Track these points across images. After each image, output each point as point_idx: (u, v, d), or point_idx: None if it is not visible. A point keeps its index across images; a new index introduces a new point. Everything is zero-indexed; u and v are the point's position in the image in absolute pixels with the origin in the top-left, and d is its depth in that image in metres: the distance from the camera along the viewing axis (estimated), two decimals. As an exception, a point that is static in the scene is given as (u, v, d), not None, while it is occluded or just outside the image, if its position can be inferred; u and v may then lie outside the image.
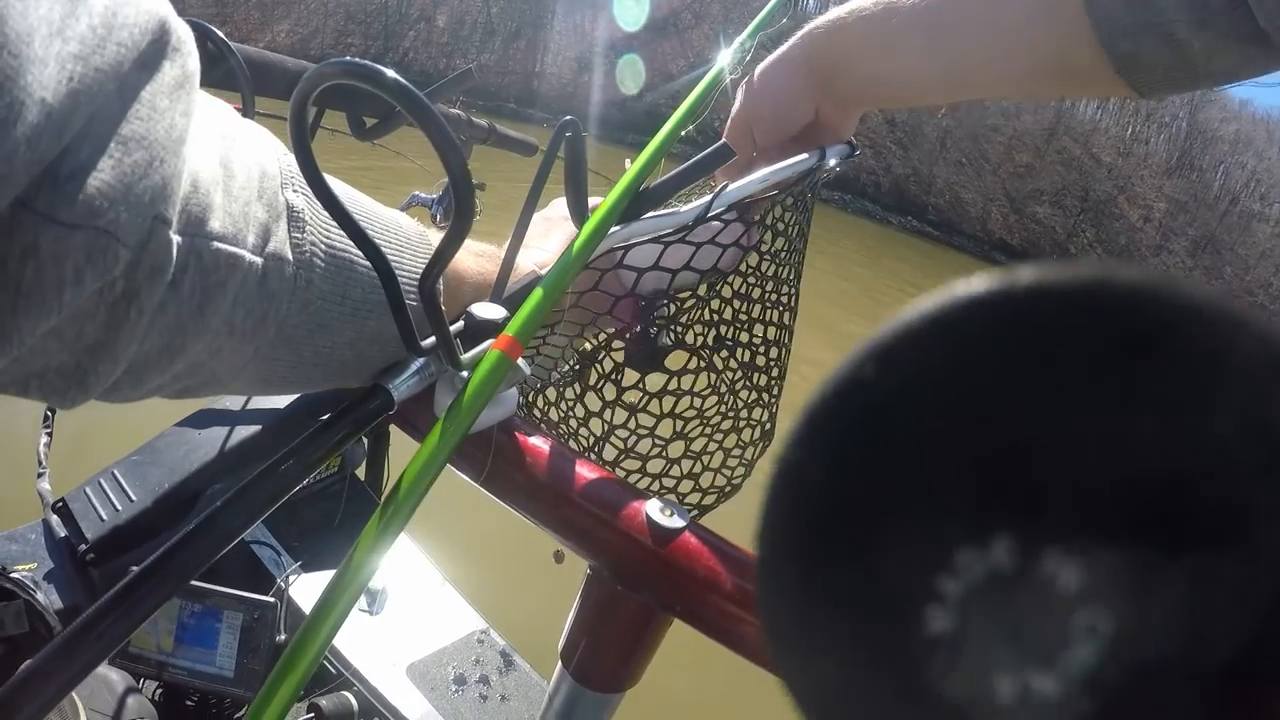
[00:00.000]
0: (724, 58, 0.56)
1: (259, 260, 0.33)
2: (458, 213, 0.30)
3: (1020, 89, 0.50)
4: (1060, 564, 0.11)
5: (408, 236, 0.42)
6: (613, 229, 0.44)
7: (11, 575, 1.07)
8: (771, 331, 0.56)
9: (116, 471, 1.36)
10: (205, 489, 1.35)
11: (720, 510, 0.55)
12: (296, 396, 1.37)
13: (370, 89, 0.27)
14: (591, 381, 0.52)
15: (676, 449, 0.53)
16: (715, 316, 0.53)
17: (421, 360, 0.40)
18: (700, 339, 0.53)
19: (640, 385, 0.51)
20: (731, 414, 0.54)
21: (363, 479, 1.61)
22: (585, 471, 0.43)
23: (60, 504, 1.33)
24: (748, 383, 0.55)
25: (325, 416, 0.37)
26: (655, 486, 0.53)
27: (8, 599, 1.05)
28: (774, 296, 0.55)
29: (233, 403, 1.44)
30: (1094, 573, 0.11)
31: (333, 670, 1.26)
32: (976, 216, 25.38)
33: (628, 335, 0.50)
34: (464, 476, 0.44)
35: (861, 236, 19.06)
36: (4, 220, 0.24)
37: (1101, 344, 0.11)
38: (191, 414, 1.45)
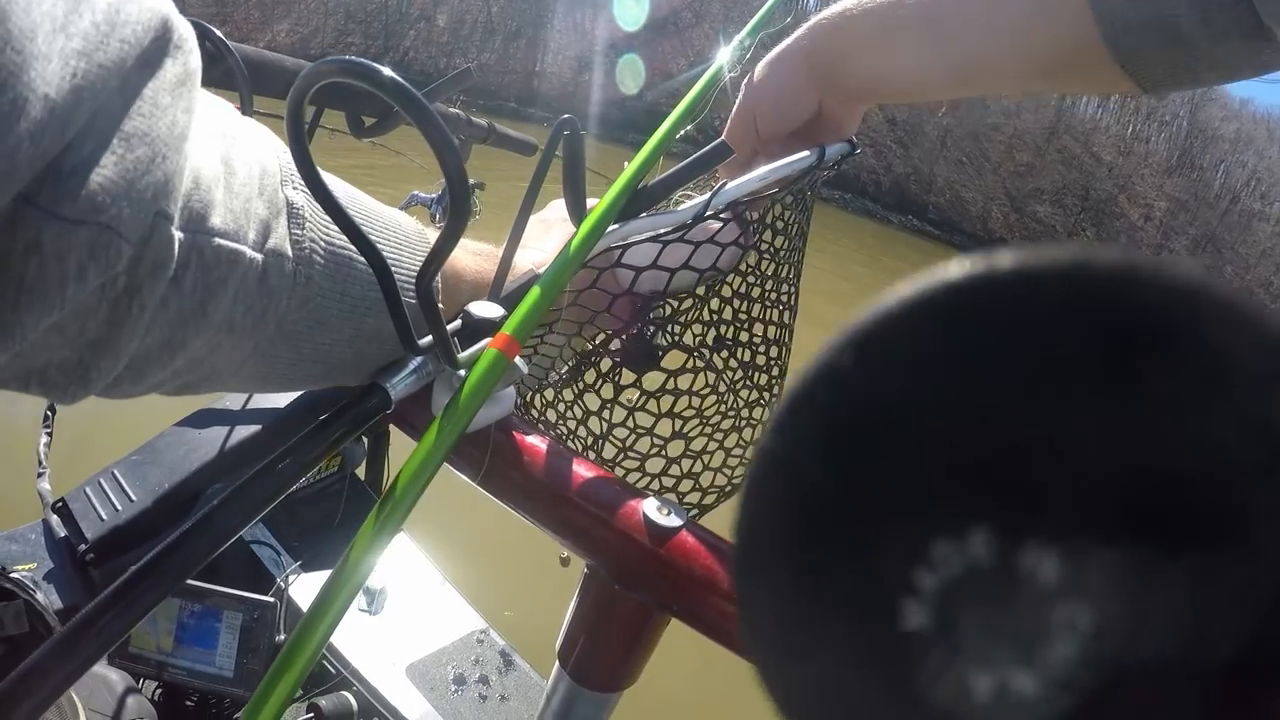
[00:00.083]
0: (723, 56, 0.56)
1: (259, 257, 0.33)
2: (453, 211, 0.30)
3: (1025, 84, 0.50)
4: (1053, 562, 0.11)
5: (406, 235, 0.42)
6: (610, 228, 0.44)
7: (11, 575, 1.07)
8: (772, 330, 0.55)
9: (116, 471, 1.36)
10: (205, 489, 1.34)
11: (719, 510, 0.55)
12: (297, 396, 1.37)
13: (366, 87, 0.27)
14: (590, 380, 0.52)
15: (676, 448, 0.53)
16: (715, 316, 0.53)
17: (419, 359, 0.40)
18: (699, 338, 0.53)
19: (639, 384, 0.51)
20: (732, 413, 0.54)
21: (363, 478, 1.61)
22: (582, 470, 0.42)
23: (60, 504, 1.33)
24: (748, 382, 0.55)
25: (324, 416, 0.37)
26: (655, 486, 0.53)
27: (7, 599, 1.04)
28: (774, 295, 0.54)
29: (233, 402, 1.44)
30: (1092, 573, 0.11)
31: (332, 670, 1.26)
32: (977, 215, 25.37)
33: (624, 335, 0.50)
34: (462, 476, 0.44)
35: (862, 235, 19.06)
36: (7, 216, 0.24)
37: (1082, 332, 0.11)
38: (191, 414, 1.45)
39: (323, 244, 0.36)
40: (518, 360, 0.38)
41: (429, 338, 0.37)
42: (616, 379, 0.51)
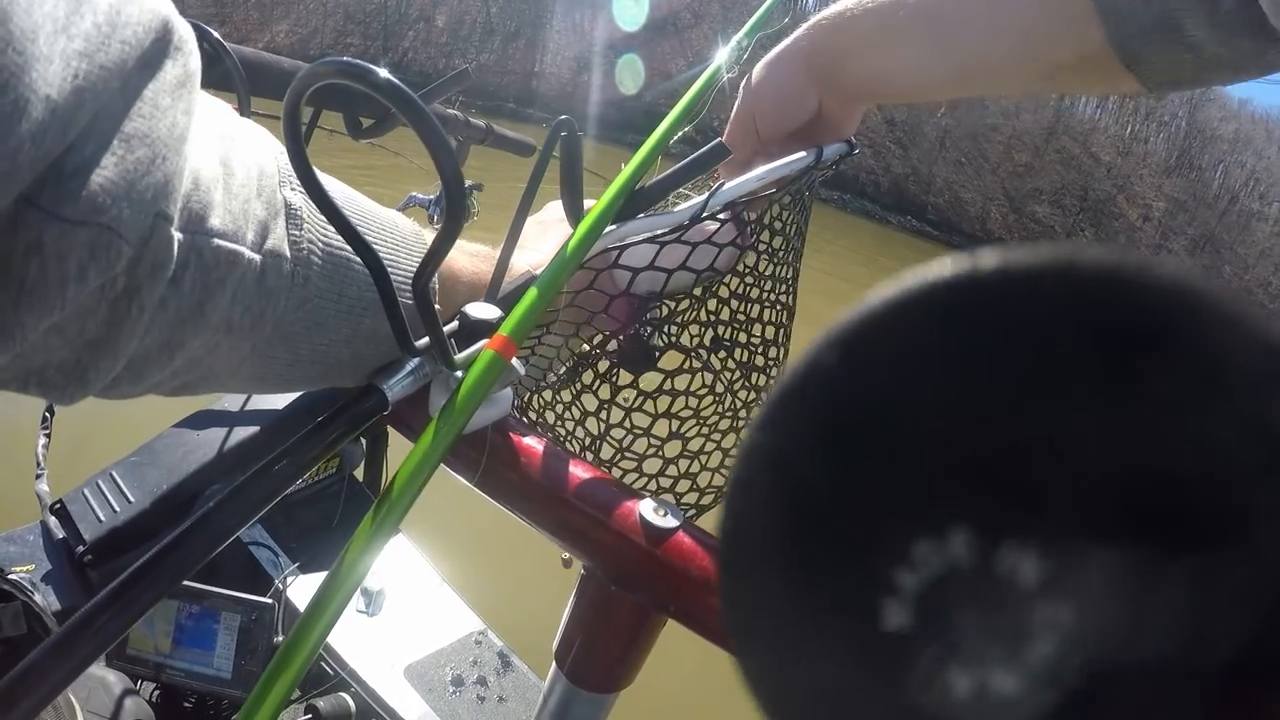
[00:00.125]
0: (721, 56, 0.56)
1: (257, 257, 0.33)
2: (449, 213, 0.30)
3: (1027, 85, 0.50)
4: (1052, 562, 0.11)
5: (403, 236, 0.42)
6: (608, 228, 0.44)
7: (9, 577, 1.07)
8: (770, 331, 0.55)
9: (115, 473, 1.36)
10: (203, 490, 1.34)
11: (716, 511, 0.54)
12: (295, 397, 1.37)
13: (362, 89, 0.27)
14: (587, 381, 0.52)
15: (673, 449, 0.53)
16: (712, 316, 0.53)
17: (416, 360, 0.40)
18: (697, 339, 0.53)
19: (636, 385, 0.51)
20: (730, 414, 0.54)
21: (361, 480, 1.61)
22: (579, 471, 0.42)
23: (58, 505, 1.33)
24: (746, 383, 0.55)
25: (321, 417, 0.37)
26: (652, 487, 0.53)
27: (6, 600, 1.04)
28: (772, 296, 0.54)
29: (231, 404, 1.44)
30: (1092, 573, 0.11)
31: (330, 671, 1.26)
32: (976, 216, 25.40)
33: (622, 336, 0.50)
34: (459, 477, 0.44)
35: (860, 236, 19.08)
36: (8, 216, 0.24)
37: (1080, 331, 0.10)
38: (190, 415, 1.45)
39: (320, 245, 0.36)
40: (514, 361, 0.38)
41: (426, 339, 0.37)
42: (614, 380, 0.51)
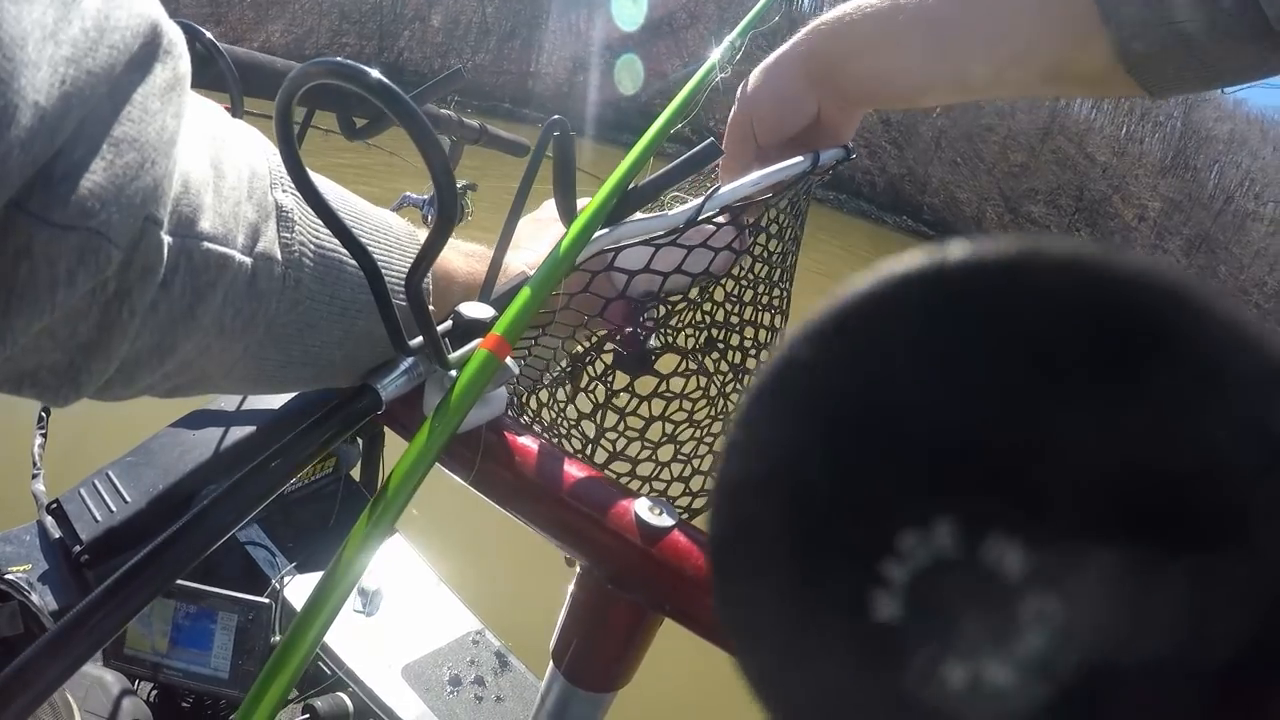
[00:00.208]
0: (715, 55, 0.56)
1: (248, 260, 0.33)
2: (441, 212, 0.30)
3: (1028, 89, 0.50)
4: (1051, 562, 0.11)
5: (397, 236, 0.42)
6: (602, 230, 0.43)
7: (6, 577, 1.07)
8: (763, 334, 0.55)
9: (111, 473, 1.36)
10: (199, 490, 1.34)
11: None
12: (291, 397, 1.37)
13: (354, 89, 0.27)
14: (583, 384, 0.52)
15: (667, 452, 0.53)
16: (707, 319, 0.53)
17: (410, 360, 0.40)
18: (692, 341, 0.53)
19: (631, 387, 0.51)
20: (723, 416, 0.54)
21: (358, 480, 1.61)
22: (574, 470, 0.42)
23: (55, 505, 1.33)
24: (739, 385, 0.55)
25: (315, 417, 0.37)
26: (646, 489, 0.53)
27: (2, 600, 1.04)
28: (766, 299, 0.54)
29: (227, 404, 1.44)
30: (1090, 573, 0.11)
31: (327, 671, 1.26)
32: (971, 216, 25.44)
33: (618, 338, 0.50)
34: (454, 476, 0.44)
35: (856, 236, 19.08)
36: None
37: (1078, 331, 0.10)
38: (185, 415, 1.45)
39: (312, 246, 0.36)
40: (509, 361, 0.38)
41: (420, 339, 0.37)
42: (610, 382, 0.51)
